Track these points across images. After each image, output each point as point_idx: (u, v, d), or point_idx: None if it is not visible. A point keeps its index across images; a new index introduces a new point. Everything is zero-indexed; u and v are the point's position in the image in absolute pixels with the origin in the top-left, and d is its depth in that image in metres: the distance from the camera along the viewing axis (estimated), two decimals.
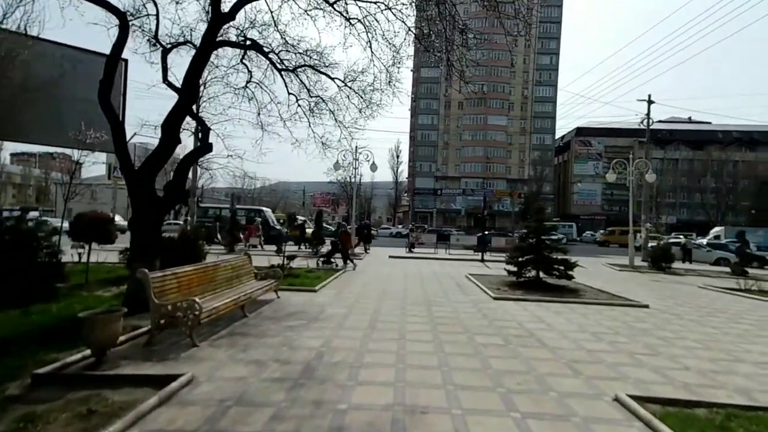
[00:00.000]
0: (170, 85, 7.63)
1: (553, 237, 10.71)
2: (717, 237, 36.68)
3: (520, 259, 10.22)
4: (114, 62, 6.43)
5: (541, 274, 10.17)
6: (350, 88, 9.60)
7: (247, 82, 9.50)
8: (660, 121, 73.36)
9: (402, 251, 21.81)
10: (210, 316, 5.17)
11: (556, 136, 70.07)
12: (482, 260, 17.65)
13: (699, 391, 3.87)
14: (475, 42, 8.88)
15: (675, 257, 16.84)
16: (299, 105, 9.88)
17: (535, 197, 60.07)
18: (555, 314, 7.21)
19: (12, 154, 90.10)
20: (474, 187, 66.86)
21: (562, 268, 9.81)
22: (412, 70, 75.51)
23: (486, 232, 19.45)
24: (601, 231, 49.98)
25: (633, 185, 16.61)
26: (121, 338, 4.89)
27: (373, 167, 18.71)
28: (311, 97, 9.56)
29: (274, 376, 3.92)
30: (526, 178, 65.80)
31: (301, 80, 9.36)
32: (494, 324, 6.34)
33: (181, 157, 8.37)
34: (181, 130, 7.39)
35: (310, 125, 10.27)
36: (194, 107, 9.19)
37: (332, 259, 13.92)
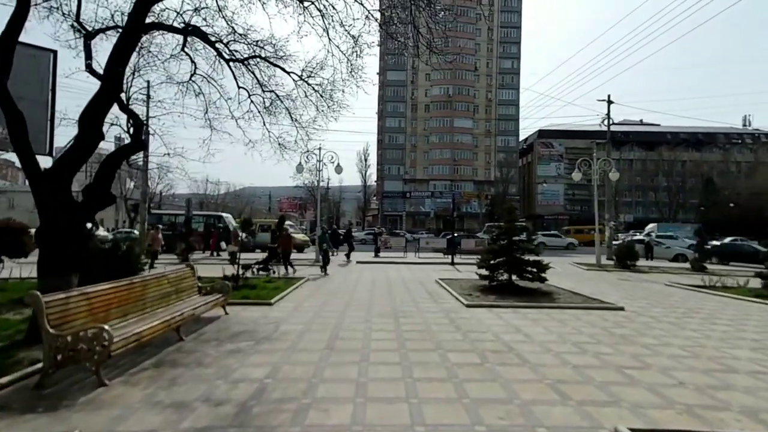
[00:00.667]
0: (92, 72, 6.54)
1: (527, 239, 10.28)
2: (649, 234, 39.44)
3: (491, 262, 9.73)
4: (9, 42, 5.33)
5: (514, 277, 9.74)
6: (308, 83, 8.78)
7: (192, 75, 8.46)
8: (615, 123, 77.26)
9: (370, 255, 21.07)
10: (128, 344, 4.20)
11: (520, 138, 71.87)
12: (452, 263, 17.22)
13: (704, 414, 3.36)
14: (443, 13, 8.18)
15: (639, 255, 17.09)
16: (252, 102, 8.95)
17: (501, 198, 61.22)
18: (532, 322, 6.70)
19: None
20: (442, 190, 67.22)
21: (534, 270, 9.41)
22: (378, 73, 75.79)
23: (455, 234, 19.08)
24: (554, 231, 50.82)
25: (597, 184, 16.76)
26: (7, 378, 3.87)
27: (338, 169, 17.89)
28: (265, 92, 8.65)
29: (198, 425, 3.06)
30: (493, 179, 66.94)
31: (253, 74, 8.44)
32: (468, 337, 5.72)
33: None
34: (104, 123, 6.31)
35: (264, 124, 9.37)
36: (125, 99, 8.05)
37: (270, 266, 12.61)
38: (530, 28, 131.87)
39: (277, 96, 8.70)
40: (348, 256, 18.41)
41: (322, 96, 8.98)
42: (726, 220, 52.11)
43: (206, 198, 76.58)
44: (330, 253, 14.77)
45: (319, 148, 17.96)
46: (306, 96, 8.79)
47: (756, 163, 63.18)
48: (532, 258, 9.67)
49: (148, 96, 22.48)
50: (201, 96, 8.86)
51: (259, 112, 8.99)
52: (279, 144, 9.56)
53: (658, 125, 76.93)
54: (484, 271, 9.96)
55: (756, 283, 11.21)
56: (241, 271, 9.91)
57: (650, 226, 44.60)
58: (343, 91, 9.25)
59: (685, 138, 70.38)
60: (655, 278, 14.19)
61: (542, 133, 70.16)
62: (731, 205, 55.09)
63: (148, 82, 22.62)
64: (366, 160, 71.63)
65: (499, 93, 69.59)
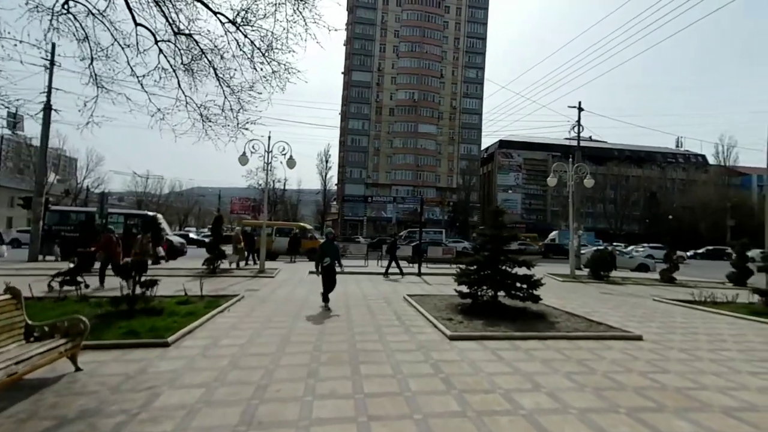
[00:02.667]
0: None
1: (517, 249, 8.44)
2: (553, 240, 44.19)
3: (473, 277, 7.81)
4: None
5: (500, 293, 7.88)
6: (243, 32, 6.47)
7: (65, 3, 5.85)
8: (567, 139, 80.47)
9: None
10: None
11: (482, 147, 72.38)
12: (419, 274, 15.28)
13: None
14: None
15: (613, 265, 16.08)
16: (161, 51, 6.48)
17: (463, 206, 60.93)
18: (544, 365, 4.77)
19: None
20: (405, 195, 65.94)
21: (524, 287, 7.59)
22: (342, 73, 73.49)
23: (421, 242, 17.18)
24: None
25: (572, 191, 15.55)
26: None
27: (291, 162, 15.44)
28: (178, 37, 6.22)
29: None
30: (455, 186, 66.64)
31: (160, 8, 6.01)
32: (469, 405, 3.65)
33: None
34: None
35: (179, 85, 6.91)
36: None
37: (80, 279, 9.45)
38: (495, 40, 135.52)
39: (197, 44, 6.29)
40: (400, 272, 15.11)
41: (263, 53, 6.70)
42: (666, 232, 55.18)
43: (146, 196, 69.93)
44: (337, 270, 9.00)
45: (269, 137, 15.47)
46: (240, 48, 6.46)
47: (688, 181, 68.24)
48: (521, 272, 7.86)
49: (52, 62, 18.51)
50: (85, 42, 6.26)
51: (172, 68, 6.53)
52: (201, 115, 7.13)
53: (606, 142, 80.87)
54: (464, 288, 8.02)
55: (744, 297, 10.30)
56: (137, 290, 7.24)
57: (553, 233, 48.06)
58: (293, 51, 7.05)
59: (629, 155, 74.24)
60: (635, 291, 13.04)
61: (503, 144, 71.07)
62: (670, 217, 58.55)
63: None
64: (327, 162, 68.93)
65: (463, 101, 69.76)
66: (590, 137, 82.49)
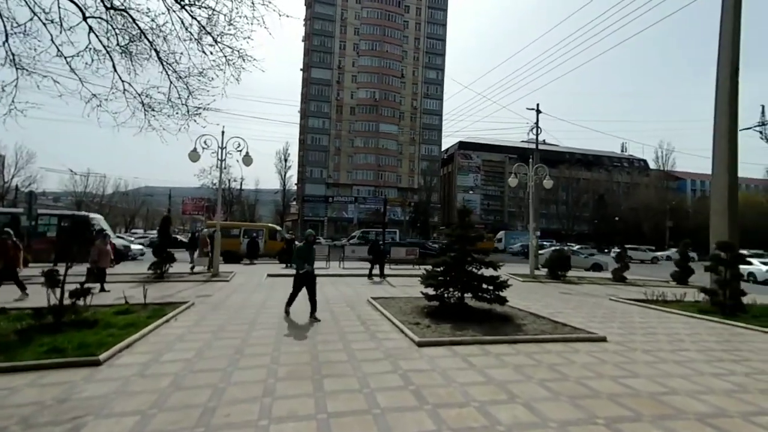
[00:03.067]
0: None
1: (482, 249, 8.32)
2: (500, 240, 46.82)
3: (440, 278, 7.60)
4: None
5: (466, 295, 7.73)
6: (187, 10, 5.81)
7: None
8: (524, 141, 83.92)
9: (281, 267, 17.94)
10: None
11: (443, 148, 73.55)
12: (382, 275, 14.97)
13: None
14: None
15: (569, 265, 16.66)
16: (92, 30, 5.67)
17: (424, 206, 61.57)
18: (516, 372, 4.60)
19: None
20: (366, 195, 65.60)
21: (491, 288, 7.48)
22: (301, 69, 71.84)
23: (382, 242, 16.89)
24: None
25: (531, 191, 15.93)
26: None
27: (247, 159, 14.58)
28: (109, 9, 5.46)
29: None
30: (416, 187, 67.21)
31: None
32: (444, 422, 3.33)
33: None
34: None
35: (115, 69, 6.13)
36: None
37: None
38: (455, 42, 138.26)
39: (134, 23, 5.55)
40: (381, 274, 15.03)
41: (214, 39, 6.07)
42: (613, 232, 58.94)
43: (86, 196, 64.83)
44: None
45: (222, 132, 14.51)
46: (186, 30, 5.80)
47: (632, 184, 73.39)
48: (488, 273, 7.76)
49: None
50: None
51: (106, 50, 5.74)
52: (142, 103, 6.36)
53: (557, 145, 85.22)
54: (431, 290, 7.79)
55: (691, 296, 10.90)
56: (66, 299, 6.36)
57: (500, 233, 50.98)
58: (249, 38, 6.46)
59: (579, 159, 78.61)
60: (591, 290, 13.52)
61: (462, 145, 72.67)
62: (617, 219, 62.60)
63: None
64: (286, 161, 67.09)
65: (424, 102, 70.50)
66: (543, 140, 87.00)
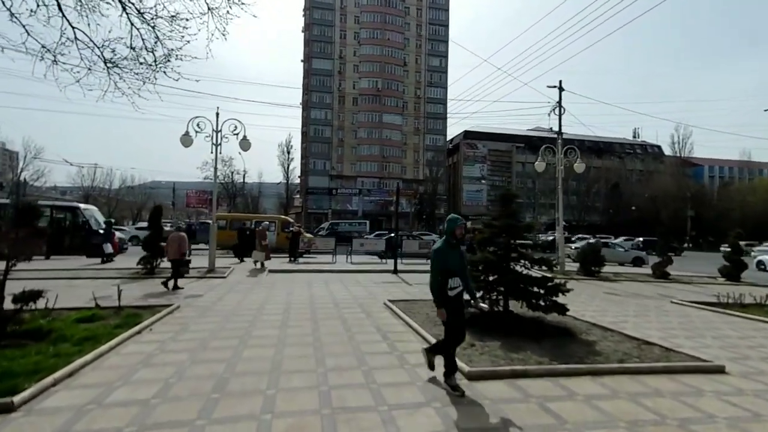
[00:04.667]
0: None
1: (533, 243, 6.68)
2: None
3: (482, 280, 6.06)
4: None
5: (511, 302, 6.19)
6: None
7: None
8: (529, 130, 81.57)
9: (284, 261, 16.47)
10: None
11: (448, 138, 71.58)
12: (395, 271, 13.48)
13: None
14: None
15: (605, 259, 15.04)
16: None
17: (430, 197, 59.95)
18: None
19: None
20: (370, 187, 64.03)
21: (546, 294, 5.91)
22: (302, 61, 69.82)
23: (397, 235, 15.35)
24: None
25: (561, 176, 14.14)
26: None
27: (244, 143, 13.04)
28: None
29: None
30: (422, 178, 65.49)
31: None
32: None
33: None
34: None
35: (62, 11, 4.61)
36: None
37: None
38: (457, 24, 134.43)
39: None
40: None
41: None
42: (629, 222, 57.02)
43: (93, 190, 64.32)
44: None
45: (217, 114, 12.95)
46: None
47: (646, 172, 71.02)
48: (540, 274, 6.21)
49: None
50: None
51: None
52: (104, 60, 4.85)
53: (566, 133, 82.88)
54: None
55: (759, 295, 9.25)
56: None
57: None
58: None
59: (590, 146, 76.40)
60: (638, 289, 11.87)
61: (468, 134, 70.60)
62: (633, 208, 60.58)
63: None
64: (289, 153, 65.37)
65: (428, 91, 68.43)
66: (551, 129, 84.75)
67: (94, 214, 19.99)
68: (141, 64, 5.08)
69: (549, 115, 20.12)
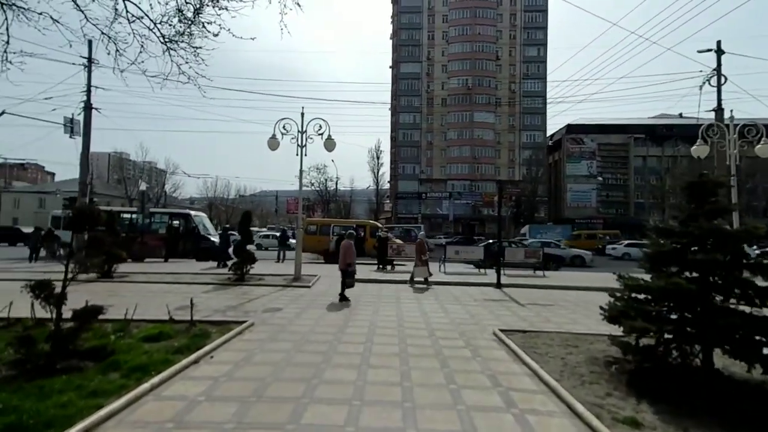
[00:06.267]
0: None
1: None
2: (523, 235, 38.51)
3: (657, 318, 3.84)
4: None
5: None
6: None
7: None
8: (652, 117, 69.82)
9: (372, 269, 15.30)
10: None
11: (548, 133, 65.12)
12: (498, 285, 11.32)
13: None
14: None
15: None
16: None
17: (529, 200, 54.79)
18: None
19: None
20: (461, 190, 61.27)
21: None
22: (390, 66, 70.20)
23: (499, 242, 13.06)
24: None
25: (735, 164, 10.28)
26: None
27: (329, 143, 12.23)
28: None
29: None
30: (518, 179, 60.52)
31: None
32: None
33: None
34: None
35: None
36: None
37: None
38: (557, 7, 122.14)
39: None
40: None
41: None
42: None
43: (215, 200, 73.70)
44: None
45: (302, 114, 12.37)
46: None
47: None
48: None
49: (90, 60, 17.63)
50: None
51: None
52: (161, 35, 4.05)
53: (697, 118, 69.24)
54: (632, 338, 4.08)
55: None
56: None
57: (523, 228, 42.47)
58: None
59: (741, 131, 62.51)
60: None
61: (571, 128, 63.09)
62: None
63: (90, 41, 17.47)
64: (378, 158, 65.95)
65: (524, 84, 63.22)
66: (680, 114, 71.40)
67: (203, 220, 21.35)
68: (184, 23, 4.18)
69: (701, 87, 15.72)
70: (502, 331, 6.11)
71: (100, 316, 6.72)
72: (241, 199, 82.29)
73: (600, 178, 60.29)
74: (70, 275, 4.69)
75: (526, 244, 22.77)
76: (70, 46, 5.25)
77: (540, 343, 5.45)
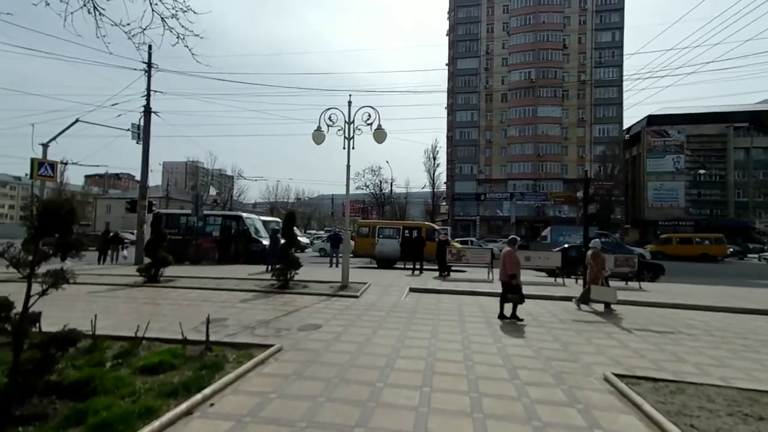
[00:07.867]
0: None
1: None
2: (545, 237, 35.30)
3: None
4: None
5: None
6: None
7: None
8: (758, 103, 60.00)
9: (431, 277, 13.63)
10: None
11: (624, 126, 58.66)
12: (585, 300, 9.08)
13: None
14: None
15: None
16: None
17: (603, 200, 49.39)
18: None
19: (86, 176, 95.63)
20: (524, 190, 57.24)
21: None
22: (447, 64, 67.91)
23: (583, 246, 10.73)
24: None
25: None
26: None
27: (379, 134, 10.84)
28: None
29: None
30: (589, 177, 54.99)
31: None
32: None
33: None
34: None
35: None
36: None
37: None
38: None
39: None
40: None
41: None
42: None
43: (276, 204, 76.82)
44: None
45: (349, 103, 11.11)
46: None
47: None
48: None
49: (149, 65, 18.02)
50: None
51: None
52: None
53: None
54: None
55: None
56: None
57: (545, 230, 37.97)
58: None
59: None
60: None
61: (653, 120, 56.26)
62: None
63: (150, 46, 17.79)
64: (435, 159, 63.93)
65: (596, 73, 57.64)
66: None
67: (254, 222, 21.02)
68: None
69: None
70: (619, 377, 4.19)
71: (113, 333, 5.86)
72: (299, 202, 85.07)
73: (690, 175, 52.79)
74: (44, 287, 3.67)
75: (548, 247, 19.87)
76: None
77: (693, 405, 3.49)
